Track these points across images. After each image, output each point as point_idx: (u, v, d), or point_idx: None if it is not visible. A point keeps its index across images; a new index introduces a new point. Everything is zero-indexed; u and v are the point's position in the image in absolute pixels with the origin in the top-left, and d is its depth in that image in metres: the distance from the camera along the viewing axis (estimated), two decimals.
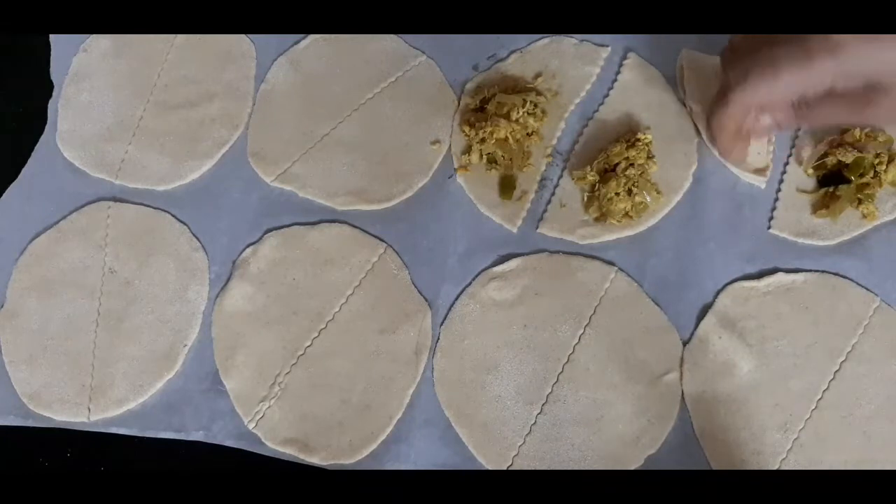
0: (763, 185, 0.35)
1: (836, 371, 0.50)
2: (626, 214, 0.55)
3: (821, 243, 0.53)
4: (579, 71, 0.61)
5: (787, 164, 0.56)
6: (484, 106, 0.59)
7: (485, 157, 0.58)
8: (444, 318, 0.54)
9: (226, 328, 0.55)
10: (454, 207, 0.57)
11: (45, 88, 0.64)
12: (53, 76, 0.65)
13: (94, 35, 0.66)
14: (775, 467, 0.48)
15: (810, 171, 0.55)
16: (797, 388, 0.49)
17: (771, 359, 0.50)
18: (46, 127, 0.63)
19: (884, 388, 0.49)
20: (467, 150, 0.58)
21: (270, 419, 0.52)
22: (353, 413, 0.52)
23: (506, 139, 0.57)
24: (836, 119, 0.48)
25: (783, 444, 0.48)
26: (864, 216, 0.53)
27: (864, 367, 0.50)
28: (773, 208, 0.54)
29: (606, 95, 0.60)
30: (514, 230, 0.56)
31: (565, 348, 0.52)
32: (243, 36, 0.65)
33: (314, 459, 0.51)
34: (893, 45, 0.39)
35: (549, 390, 0.51)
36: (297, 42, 0.64)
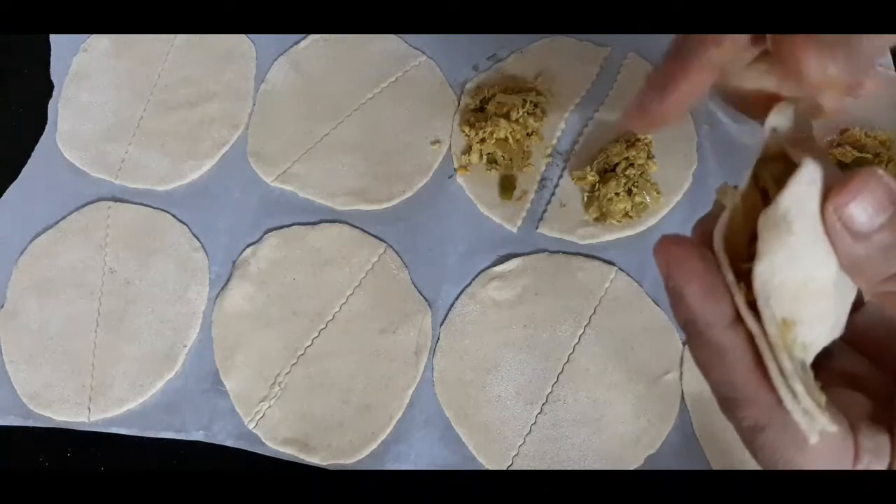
0: None
1: None
2: (626, 214, 0.55)
3: None
4: (579, 71, 0.61)
5: None
6: (484, 106, 0.59)
7: (485, 157, 0.58)
8: (444, 318, 0.54)
9: (226, 328, 0.55)
10: (454, 207, 0.57)
11: (45, 88, 0.64)
12: (53, 76, 0.65)
13: (94, 35, 0.66)
14: None
15: None
16: None
17: None
18: (46, 127, 0.63)
19: None
20: (467, 150, 0.58)
21: (270, 419, 0.52)
22: (353, 413, 0.52)
23: (506, 139, 0.57)
24: None
25: None
26: None
27: None
28: None
29: (606, 95, 0.60)
30: (514, 230, 0.56)
31: (565, 348, 0.52)
32: (243, 36, 0.65)
33: (314, 459, 0.51)
34: None
35: (549, 390, 0.51)
36: (297, 42, 0.64)
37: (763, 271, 0.22)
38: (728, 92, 0.28)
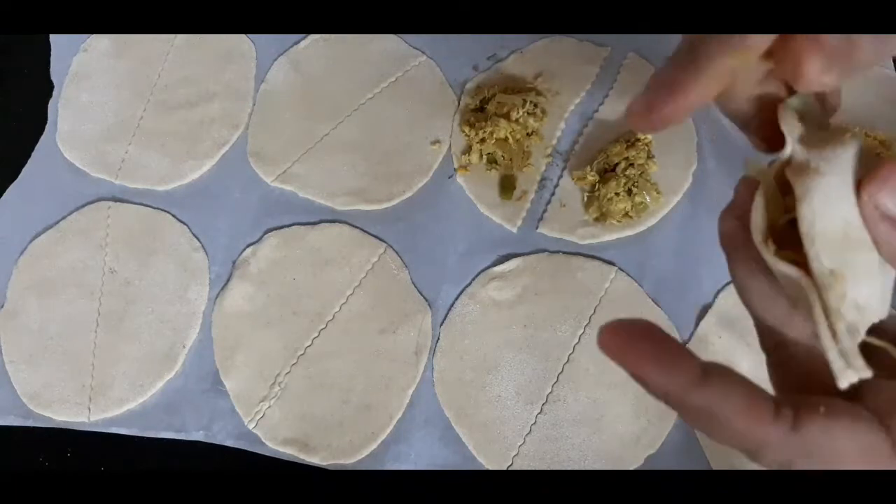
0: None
1: None
2: (626, 214, 0.55)
3: None
4: (579, 71, 0.61)
5: None
6: (484, 106, 0.59)
7: (485, 157, 0.58)
8: (444, 318, 0.54)
9: (226, 328, 0.55)
10: (454, 207, 0.57)
11: (46, 88, 0.64)
12: (54, 76, 0.65)
13: (94, 35, 0.66)
14: None
15: None
16: None
17: None
18: (47, 127, 0.63)
19: None
20: (467, 150, 0.58)
21: (270, 419, 0.52)
22: (353, 413, 0.52)
23: (506, 139, 0.57)
24: None
25: None
26: None
27: None
28: None
29: (606, 95, 0.60)
30: (514, 230, 0.56)
31: (565, 348, 0.52)
32: (243, 36, 0.65)
33: (314, 459, 0.51)
34: None
35: (549, 390, 0.51)
36: (297, 42, 0.64)
37: (805, 214, 0.22)
38: (728, 106, 0.28)
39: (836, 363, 0.22)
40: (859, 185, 0.23)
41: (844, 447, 0.23)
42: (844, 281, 0.22)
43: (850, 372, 0.22)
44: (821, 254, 0.22)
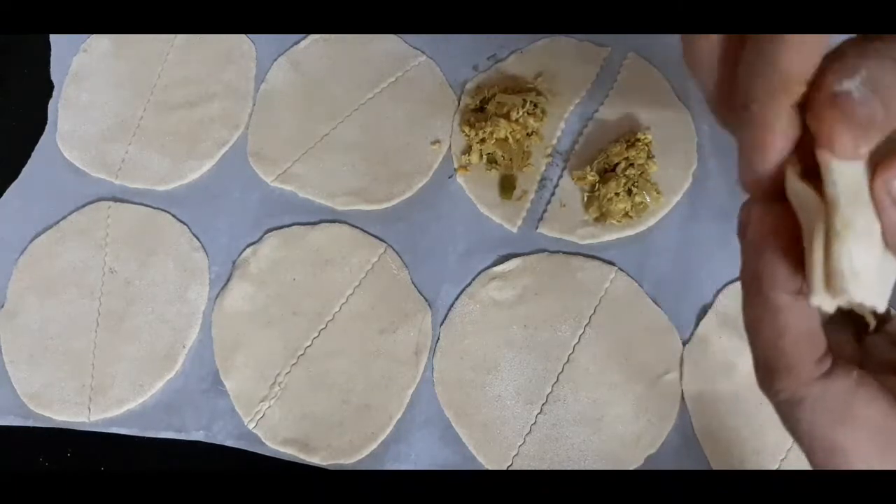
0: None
1: None
2: (626, 214, 0.55)
3: None
4: (579, 71, 0.61)
5: None
6: (484, 106, 0.59)
7: (485, 157, 0.58)
8: (444, 318, 0.54)
9: (226, 328, 0.55)
10: (454, 207, 0.57)
11: (45, 88, 0.64)
12: (53, 76, 0.65)
13: (94, 35, 0.66)
14: (775, 467, 0.48)
15: None
16: None
17: None
18: (46, 127, 0.63)
19: None
20: (467, 150, 0.58)
21: (270, 419, 0.52)
22: (353, 413, 0.52)
23: (506, 139, 0.57)
24: None
25: (783, 443, 0.48)
26: None
27: None
28: None
29: (606, 95, 0.60)
30: (514, 230, 0.56)
31: (565, 348, 0.52)
32: (243, 36, 0.65)
33: (314, 459, 0.51)
34: None
35: (549, 390, 0.51)
36: (297, 42, 0.64)
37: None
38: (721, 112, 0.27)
39: (817, 278, 0.21)
40: (877, 165, 0.22)
41: (861, 412, 0.23)
42: (849, 231, 0.21)
43: (824, 295, 0.21)
44: (840, 193, 0.21)
